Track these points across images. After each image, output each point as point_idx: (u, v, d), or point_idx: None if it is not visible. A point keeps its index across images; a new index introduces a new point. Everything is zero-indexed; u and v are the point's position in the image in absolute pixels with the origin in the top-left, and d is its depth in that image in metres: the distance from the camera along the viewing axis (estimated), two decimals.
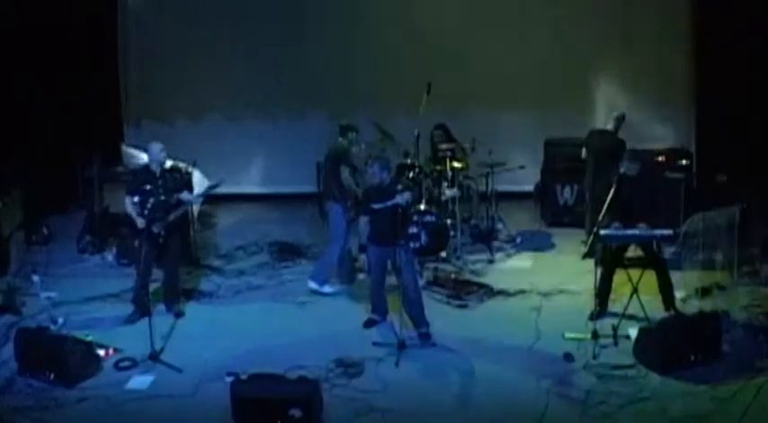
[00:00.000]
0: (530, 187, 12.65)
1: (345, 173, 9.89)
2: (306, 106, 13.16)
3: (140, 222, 9.00)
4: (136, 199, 9.06)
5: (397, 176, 10.83)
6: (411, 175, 11.00)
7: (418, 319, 8.81)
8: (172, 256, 9.30)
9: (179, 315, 9.39)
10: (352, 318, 9.32)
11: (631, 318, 8.73)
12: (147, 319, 8.58)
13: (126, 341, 8.78)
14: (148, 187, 9.09)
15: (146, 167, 9.31)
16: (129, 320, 9.26)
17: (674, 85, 12.67)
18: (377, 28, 12.99)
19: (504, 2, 12.96)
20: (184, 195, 9.26)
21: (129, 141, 13.20)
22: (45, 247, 11.46)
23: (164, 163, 9.23)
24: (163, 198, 9.09)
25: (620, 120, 10.70)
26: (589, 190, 10.79)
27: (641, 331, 8.30)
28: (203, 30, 13.19)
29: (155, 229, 9.00)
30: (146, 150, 9.55)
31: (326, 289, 9.92)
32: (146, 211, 9.03)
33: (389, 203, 8.67)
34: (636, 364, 8.09)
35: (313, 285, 9.91)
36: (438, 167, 11.22)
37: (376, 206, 8.74)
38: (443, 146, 11.24)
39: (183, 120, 13.55)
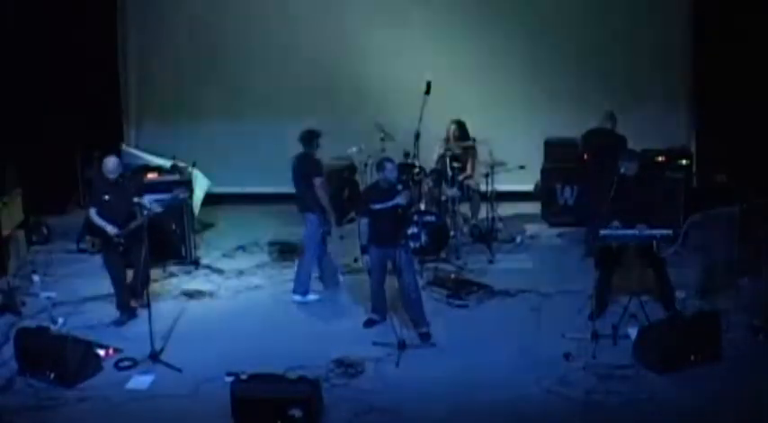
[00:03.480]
0: (530, 187, 12.65)
1: (319, 183, 9.59)
2: (306, 106, 13.14)
3: (110, 229, 9.02)
4: (95, 210, 9.11)
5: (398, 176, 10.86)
6: (411, 175, 11.00)
7: (418, 320, 8.81)
8: (136, 265, 9.07)
9: (141, 306, 9.20)
10: (352, 318, 9.33)
11: (632, 317, 8.73)
12: (147, 319, 8.59)
13: (126, 341, 8.79)
14: (106, 197, 9.13)
15: (102, 177, 9.27)
16: (118, 322, 9.26)
17: (674, 85, 12.68)
18: (377, 27, 12.99)
19: (506, 2, 12.96)
20: (144, 200, 9.15)
21: (128, 142, 13.24)
22: (45, 247, 11.47)
23: (117, 175, 9.17)
24: (121, 203, 9.09)
25: (614, 116, 10.72)
26: (590, 190, 10.77)
27: (641, 331, 8.30)
28: (203, 30, 13.19)
29: (112, 232, 8.98)
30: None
31: (311, 298, 9.87)
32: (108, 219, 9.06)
33: (390, 204, 8.67)
34: (636, 364, 8.09)
35: (297, 298, 9.84)
36: (438, 167, 11.24)
37: (376, 207, 8.74)
38: (446, 149, 11.22)
39: (183, 120, 13.54)
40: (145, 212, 8.98)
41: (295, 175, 9.83)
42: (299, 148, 10.35)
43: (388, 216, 8.68)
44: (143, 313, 9.12)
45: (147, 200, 9.14)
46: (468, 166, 11.49)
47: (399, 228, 8.70)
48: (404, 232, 8.86)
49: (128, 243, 9.07)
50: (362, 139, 11.22)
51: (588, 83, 12.73)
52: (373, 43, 12.99)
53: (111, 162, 9.20)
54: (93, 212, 9.19)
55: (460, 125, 11.50)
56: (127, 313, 9.35)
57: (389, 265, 8.90)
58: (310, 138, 9.76)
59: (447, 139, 11.45)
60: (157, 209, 9.04)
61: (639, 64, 12.63)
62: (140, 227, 8.86)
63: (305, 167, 9.71)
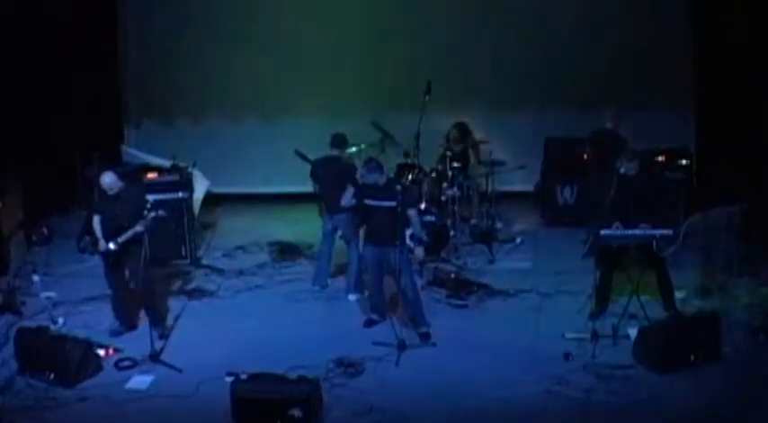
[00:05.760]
0: (530, 187, 12.65)
1: (350, 193, 9.18)
2: (306, 106, 13.16)
3: (102, 244, 8.73)
4: (97, 218, 8.82)
5: (398, 176, 10.86)
6: (410, 176, 11.01)
7: (418, 319, 8.81)
8: (136, 277, 8.76)
9: (161, 336, 8.86)
10: (352, 318, 9.32)
11: (631, 318, 8.73)
12: (147, 319, 8.58)
13: (126, 341, 8.79)
14: (107, 209, 8.79)
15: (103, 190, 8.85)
16: (116, 333, 9.06)
17: (674, 85, 12.67)
18: (376, 27, 13.00)
19: (506, 2, 12.97)
20: (150, 214, 8.60)
21: (128, 142, 13.24)
22: (45, 247, 11.46)
23: (114, 190, 8.71)
24: (118, 218, 8.65)
25: (618, 117, 10.73)
26: (590, 189, 10.77)
27: (641, 331, 8.30)
28: (203, 30, 13.20)
29: (110, 247, 8.69)
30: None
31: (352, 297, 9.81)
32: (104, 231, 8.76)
33: (384, 203, 8.67)
34: (636, 364, 8.09)
35: (353, 297, 9.76)
36: (439, 167, 11.25)
37: (369, 202, 8.75)
38: (450, 150, 11.22)
39: (183, 120, 13.55)
40: (137, 227, 8.54)
41: (329, 177, 9.65)
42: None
43: (385, 215, 8.68)
44: (142, 313, 9.13)
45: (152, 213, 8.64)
46: (472, 161, 11.56)
47: (397, 228, 8.69)
48: (401, 232, 8.85)
49: (121, 257, 8.75)
50: (362, 139, 11.21)
51: (588, 83, 12.72)
52: (373, 43, 13.00)
53: (107, 178, 8.70)
54: (96, 219, 8.82)
55: (461, 128, 11.52)
56: (125, 325, 9.11)
57: (387, 265, 8.90)
58: (344, 142, 9.83)
59: (447, 140, 11.47)
60: (140, 228, 8.53)
61: (640, 64, 12.63)
62: (133, 238, 8.58)
63: (342, 172, 9.52)
